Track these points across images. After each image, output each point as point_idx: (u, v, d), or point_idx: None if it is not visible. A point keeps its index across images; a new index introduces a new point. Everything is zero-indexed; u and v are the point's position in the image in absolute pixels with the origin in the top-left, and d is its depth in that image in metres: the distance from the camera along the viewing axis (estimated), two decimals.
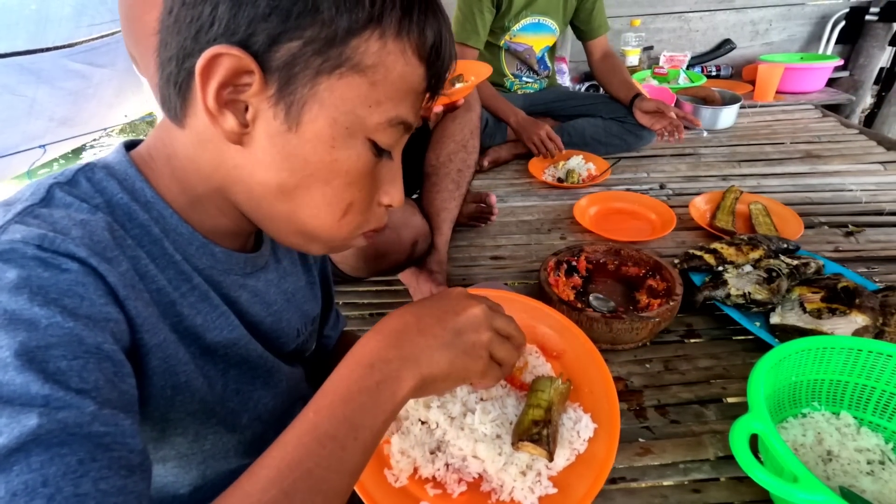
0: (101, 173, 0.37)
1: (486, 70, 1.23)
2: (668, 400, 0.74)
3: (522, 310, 0.59)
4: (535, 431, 0.46)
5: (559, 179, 1.47)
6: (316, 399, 0.35)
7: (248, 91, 0.34)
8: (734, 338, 0.87)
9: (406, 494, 0.48)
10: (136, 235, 0.37)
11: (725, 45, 2.48)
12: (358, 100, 0.36)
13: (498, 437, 0.49)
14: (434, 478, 0.49)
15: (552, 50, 1.81)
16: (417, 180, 1.14)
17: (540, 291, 0.89)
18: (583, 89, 2.35)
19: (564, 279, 0.94)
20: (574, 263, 0.97)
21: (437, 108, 1.00)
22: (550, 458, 0.45)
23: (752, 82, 2.20)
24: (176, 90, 0.36)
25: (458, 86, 1.16)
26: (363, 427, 0.34)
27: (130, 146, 0.41)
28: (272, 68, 0.34)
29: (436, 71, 0.39)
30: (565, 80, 2.25)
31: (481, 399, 0.53)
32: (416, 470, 0.49)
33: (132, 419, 0.30)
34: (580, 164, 1.50)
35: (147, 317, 0.35)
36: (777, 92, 2.15)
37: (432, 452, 0.50)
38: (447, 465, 0.49)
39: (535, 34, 1.72)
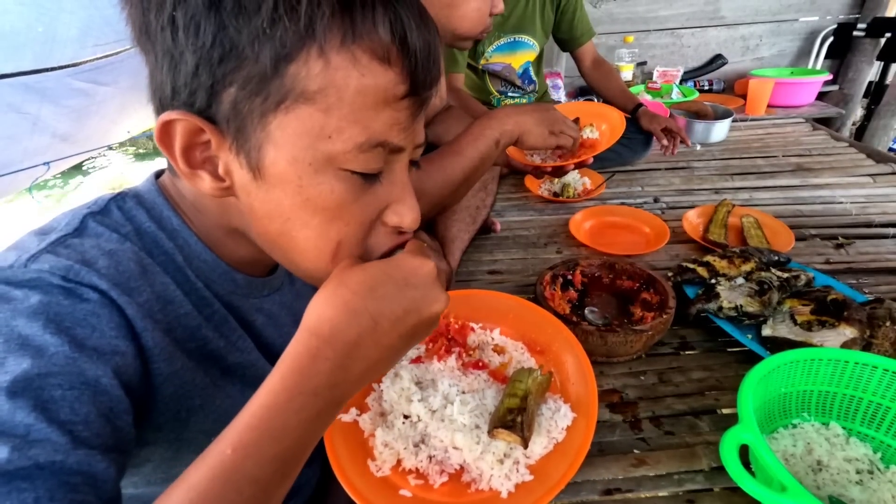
0: (132, 202, 0.39)
1: (620, 121, 1.06)
2: (663, 411, 0.76)
3: (509, 308, 0.60)
4: (510, 418, 0.48)
5: (555, 194, 1.49)
6: (237, 428, 0.29)
7: (212, 147, 0.34)
8: (728, 350, 0.88)
9: (387, 484, 0.49)
10: (162, 262, 0.39)
11: (717, 61, 2.53)
12: (314, 132, 0.33)
13: (477, 427, 0.50)
14: (417, 469, 0.50)
15: (537, 64, 1.84)
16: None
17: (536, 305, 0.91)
18: None
19: (560, 293, 0.96)
20: (570, 277, 0.99)
21: (569, 166, 1.00)
22: (525, 445, 0.47)
23: (744, 96, 2.24)
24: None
25: (587, 131, 1.04)
26: (295, 463, 0.30)
27: (160, 175, 0.43)
28: (221, 120, 0.33)
29: (411, 68, 0.33)
30: (560, 95, 2.29)
31: (462, 392, 0.54)
32: (399, 462, 0.51)
33: (110, 461, 0.29)
34: (576, 179, 1.53)
35: (164, 346, 0.36)
36: (768, 106, 2.19)
37: (416, 445, 0.51)
38: (430, 457, 0.50)
39: (511, 53, 1.75)
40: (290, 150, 0.33)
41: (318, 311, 0.33)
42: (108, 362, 0.31)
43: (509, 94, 1.84)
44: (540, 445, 0.49)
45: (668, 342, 0.90)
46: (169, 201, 0.40)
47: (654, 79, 2.34)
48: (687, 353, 0.88)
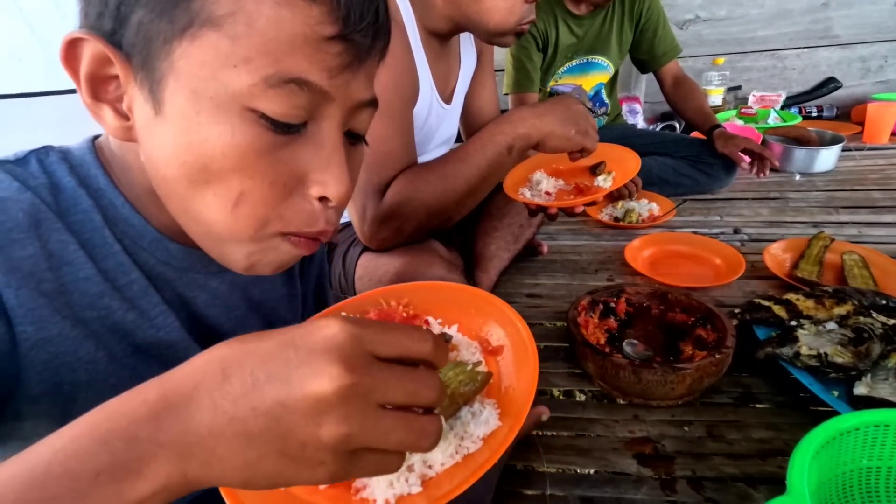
0: (55, 157, 0.38)
1: (635, 162, 0.92)
2: (706, 472, 0.62)
3: (471, 302, 0.51)
4: None
5: (616, 219, 1.37)
6: None
7: (122, 81, 0.32)
8: (808, 408, 0.71)
9: None
10: (77, 221, 0.36)
11: (829, 84, 2.24)
12: (218, 61, 0.30)
13: None
14: None
15: (610, 85, 1.74)
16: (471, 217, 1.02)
17: (566, 332, 0.80)
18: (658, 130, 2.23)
19: (598, 321, 0.85)
20: (612, 305, 0.87)
21: (579, 207, 0.85)
22: None
23: (863, 123, 1.94)
24: None
25: (600, 179, 0.89)
26: None
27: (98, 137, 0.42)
28: (128, 48, 0.31)
29: (341, 8, 0.30)
30: (638, 120, 2.15)
31: None
32: None
33: None
34: (642, 204, 1.39)
35: (33, 308, 0.33)
36: (893, 133, 1.87)
37: None
38: None
39: (583, 74, 1.67)
40: (190, 81, 0.30)
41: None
42: None
43: None
44: (446, 454, 0.39)
45: (728, 391, 0.75)
46: (100, 160, 0.38)
47: (750, 104, 2.12)
48: (750, 406, 0.72)
